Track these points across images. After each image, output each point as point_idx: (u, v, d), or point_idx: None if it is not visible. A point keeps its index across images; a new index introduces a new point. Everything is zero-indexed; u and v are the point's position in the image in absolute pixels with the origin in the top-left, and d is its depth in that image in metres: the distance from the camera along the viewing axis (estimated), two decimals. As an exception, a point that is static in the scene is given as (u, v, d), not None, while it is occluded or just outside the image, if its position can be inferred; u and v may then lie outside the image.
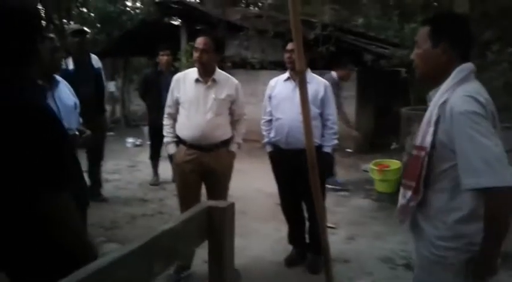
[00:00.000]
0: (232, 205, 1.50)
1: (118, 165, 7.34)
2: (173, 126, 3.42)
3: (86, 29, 5.25)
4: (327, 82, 3.67)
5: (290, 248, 3.93)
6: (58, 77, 2.83)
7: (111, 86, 15.18)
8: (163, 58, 5.72)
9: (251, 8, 16.17)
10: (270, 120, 3.74)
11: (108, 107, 13.48)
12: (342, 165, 6.90)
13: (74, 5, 14.64)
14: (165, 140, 3.47)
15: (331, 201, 5.16)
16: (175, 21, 10.92)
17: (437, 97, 1.73)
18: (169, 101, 3.44)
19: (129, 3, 14.65)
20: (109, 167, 7.18)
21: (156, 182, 6.19)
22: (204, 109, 3.26)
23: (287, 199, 3.83)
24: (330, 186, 5.51)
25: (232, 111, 3.43)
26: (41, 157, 1.53)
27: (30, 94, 1.57)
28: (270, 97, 3.74)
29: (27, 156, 1.52)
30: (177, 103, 3.37)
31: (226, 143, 3.43)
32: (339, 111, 4.93)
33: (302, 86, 2.39)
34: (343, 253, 3.99)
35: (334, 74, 5.89)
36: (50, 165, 1.54)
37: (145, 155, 6.73)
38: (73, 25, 6.30)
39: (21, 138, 1.51)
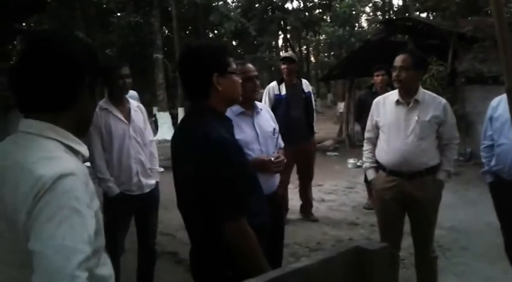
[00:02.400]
0: (385, 248, 1.29)
1: (336, 186, 7.40)
2: (372, 152, 3.25)
3: (293, 56, 5.50)
4: None
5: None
6: (260, 104, 3.01)
7: (340, 107, 15.65)
8: (377, 78, 5.55)
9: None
10: (491, 146, 3.21)
11: (336, 128, 14.03)
12: None
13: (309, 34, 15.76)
14: (364, 165, 3.33)
15: None
16: (401, 38, 10.56)
17: None
18: (368, 125, 3.30)
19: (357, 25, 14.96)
20: (327, 187, 7.35)
21: (370, 206, 5.99)
22: (405, 132, 3.00)
23: (512, 239, 3.19)
24: None
25: (441, 134, 3.06)
26: (216, 185, 1.68)
27: (208, 126, 1.75)
28: (491, 119, 3.21)
29: (204, 185, 1.69)
30: (376, 127, 3.20)
31: (433, 170, 3.05)
32: None
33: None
34: None
35: None
36: (225, 194, 1.70)
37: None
38: (285, 53, 6.73)
39: (196, 169, 1.68)
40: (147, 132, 3.36)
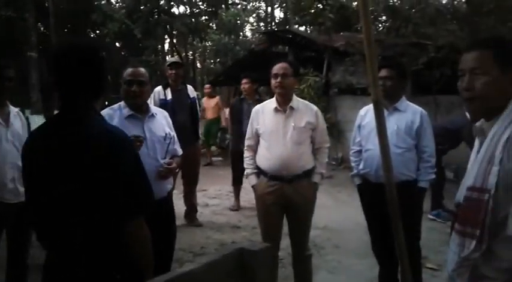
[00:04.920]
0: (267, 248, 1.36)
1: (220, 191, 7.50)
2: (253, 158, 3.37)
3: (180, 61, 5.56)
4: (423, 111, 3.36)
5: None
6: (156, 109, 3.00)
7: (225, 112, 15.86)
8: (244, 86, 5.86)
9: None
10: (359, 151, 3.51)
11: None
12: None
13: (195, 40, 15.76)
14: (246, 171, 3.43)
15: (437, 238, 4.65)
16: (282, 49, 11.13)
17: (496, 132, 1.45)
18: (249, 133, 3.41)
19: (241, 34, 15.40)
20: (211, 192, 7.42)
21: (235, 208, 6.28)
22: (284, 139, 3.17)
23: (377, 236, 3.52)
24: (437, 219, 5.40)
25: (313, 139, 3.29)
26: (130, 182, 1.66)
27: (110, 125, 1.76)
28: (359, 126, 3.52)
29: (115, 179, 1.62)
30: (256, 135, 3.33)
31: (309, 173, 3.27)
32: None
33: (378, 116, 2.18)
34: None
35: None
36: (134, 189, 1.67)
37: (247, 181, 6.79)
38: (171, 58, 6.80)
39: (107, 162, 1.61)
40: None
